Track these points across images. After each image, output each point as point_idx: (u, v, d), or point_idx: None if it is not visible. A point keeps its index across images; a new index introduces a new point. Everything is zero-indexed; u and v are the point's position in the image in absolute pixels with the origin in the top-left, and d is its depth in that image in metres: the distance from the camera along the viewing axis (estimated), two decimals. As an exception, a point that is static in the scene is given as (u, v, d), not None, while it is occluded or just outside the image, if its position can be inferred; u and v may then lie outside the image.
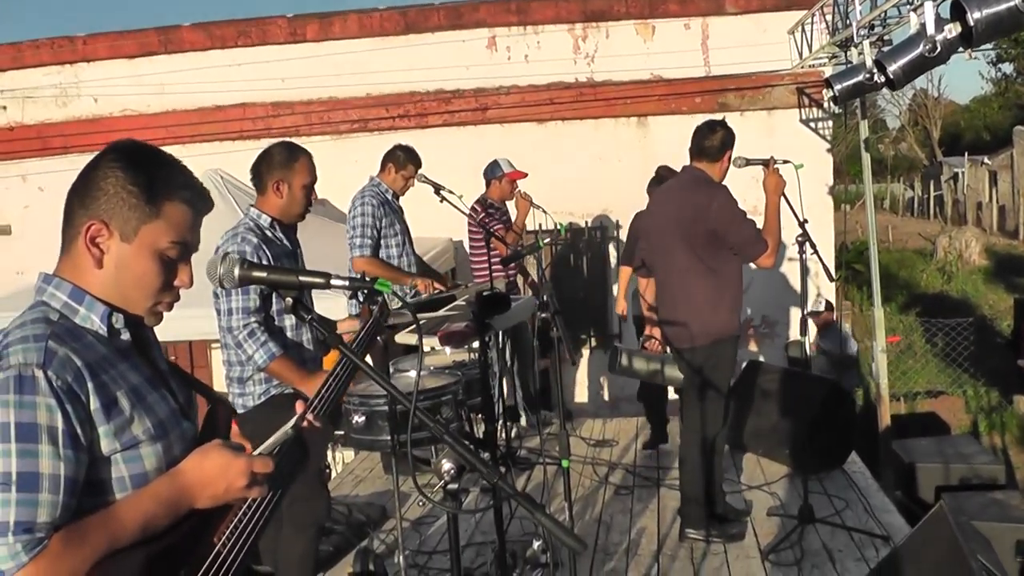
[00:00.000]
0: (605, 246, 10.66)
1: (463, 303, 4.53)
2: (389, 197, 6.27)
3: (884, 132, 51.70)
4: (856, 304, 17.67)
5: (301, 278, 2.02)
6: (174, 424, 1.90)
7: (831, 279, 6.74)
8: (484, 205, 7.32)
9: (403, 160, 6.34)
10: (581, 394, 10.63)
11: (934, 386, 13.46)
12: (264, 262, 3.82)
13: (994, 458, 8.61)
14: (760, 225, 5.10)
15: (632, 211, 7.30)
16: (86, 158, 1.91)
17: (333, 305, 6.05)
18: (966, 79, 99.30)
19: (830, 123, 10.46)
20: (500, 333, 5.80)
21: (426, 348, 5.20)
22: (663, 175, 6.81)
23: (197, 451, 1.82)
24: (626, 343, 8.49)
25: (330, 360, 4.27)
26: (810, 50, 9.38)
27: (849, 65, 8.39)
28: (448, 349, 5.01)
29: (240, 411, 4.01)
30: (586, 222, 10.48)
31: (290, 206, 4.06)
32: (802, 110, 10.19)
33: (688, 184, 5.24)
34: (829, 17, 8.75)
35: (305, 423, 2.07)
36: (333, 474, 7.34)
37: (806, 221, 5.29)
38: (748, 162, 5.21)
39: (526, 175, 7.43)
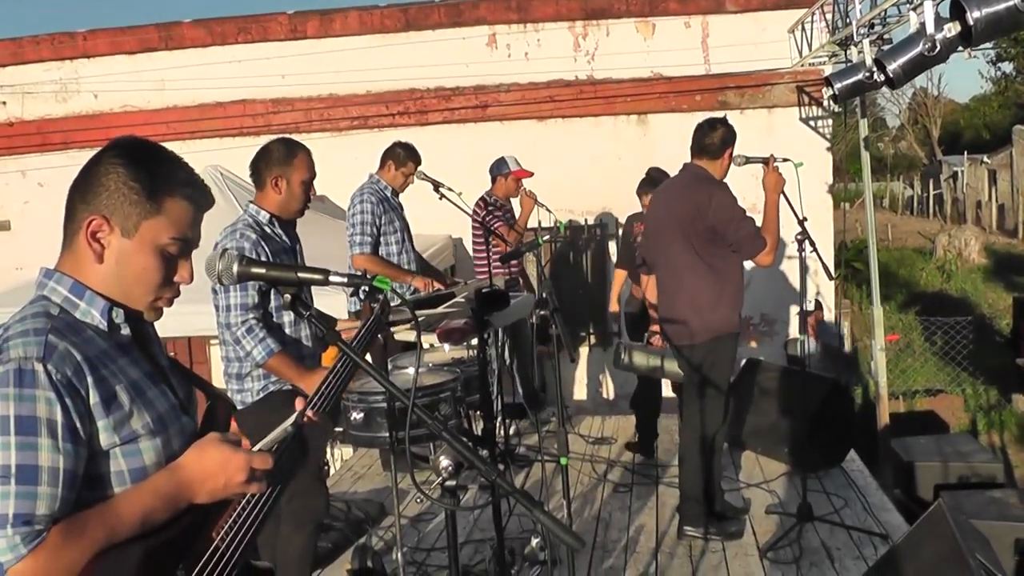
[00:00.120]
0: (605, 244, 10.66)
1: (462, 300, 4.53)
2: (389, 194, 6.27)
3: (884, 131, 51.71)
4: (855, 302, 17.67)
5: (300, 274, 2.02)
6: (173, 419, 1.90)
7: (830, 277, 6.74)
8: (487, 202, 7.32)
9: (403, 157, 6.33)
10: (580, 391, 10.64)
11: (933, 385, 13.46)
12: (263, 258, 3.82)
13: (993, 456, 8.62)
14: (759, 223, 5.11)
15: (632, 209, 7.31)
16: (86, 154, 1.92)
17: (333, 303, 6.05)
18: (966, 78, 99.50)
19: (830, 121, 10.46)
20: (500, 331, 5.80)
21: (425, 345, 5.21)
22: (654, 176, 6.81)
23: (196, 446, 1.83)
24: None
25: (328, 357, 4.28)
26: (810, 48, 9.38)
27: (849, 64, 8.39)
28: (447, 346, 5.02)
29: (238, 407, 4.01)
30: (586, 220, 10.48)
31: (289, 202, 4.06)
32: (802, 108, 10.19)
33: (688, 182, 5.25)
34: (829, 16, 8.76)
35: (305, 419, 2.07)
36: (332, 471, 7.33)
37: (805, 219, 5.29)
38: (748, 160, 5.22)
39: (532, 174, 7.44)
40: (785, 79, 10.10)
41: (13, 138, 10.98)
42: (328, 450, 7.71)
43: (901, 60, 6.46)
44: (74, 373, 1.71)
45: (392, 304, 3.15)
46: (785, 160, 5.23)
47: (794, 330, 10.03)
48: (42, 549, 1.62)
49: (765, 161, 5.20)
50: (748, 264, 5.28)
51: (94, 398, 1.73)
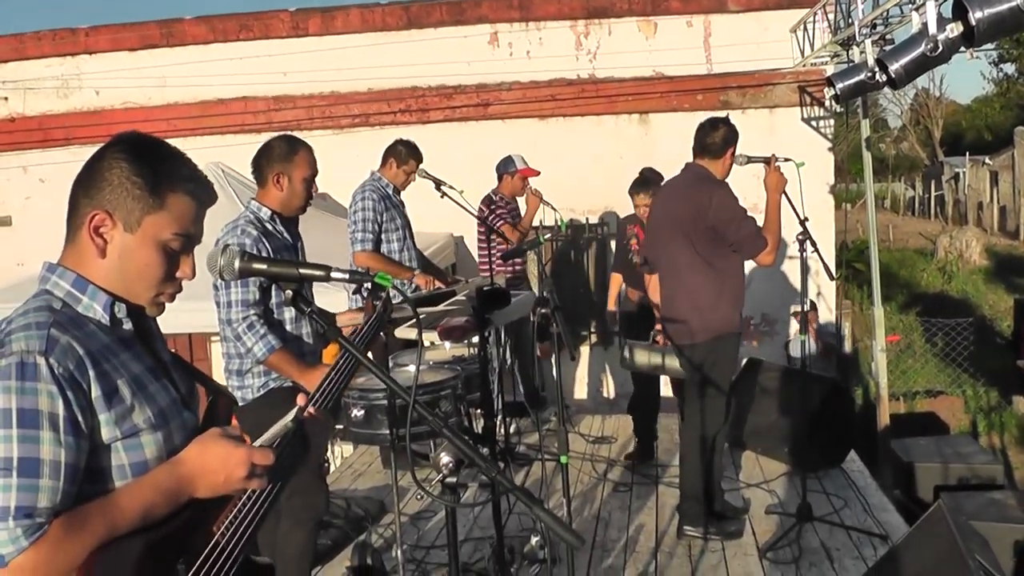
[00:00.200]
0: (606, 243, 10.65)
1: (463, 298, 4.54)
2: (390, 192, 6.28)
3: (885, 131, 51.69)
4: (856, 303, 17.67)
5: (301, 271, 2.02)
6: (175, 414, 1.91)
7: (831, 278, 6.74)
8: (492, 200, 7.34)
9: (404, 155, 6.34)
10: (581, 390, 10.64)
11: (933, 386, 13.45)
12: (264, 255, 3.82)
13: (993, 458, 8.62)
14: (760, 223, 5.11)
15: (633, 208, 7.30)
16: (87, 150, 1.92)
17: (334, 300, 6.05)
18: (968, 79, 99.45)
19: (832, 122, 10.45)
20: (502, 330, 5.80)
21: (426, 343, 5.21)
22: (647, 176, 6.79)
23: (197, 441, 1.83)
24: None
25: (329, 354, 4.28)
26: (812, 48, 9.38)
27: (851, 64, 8.38)
28: (448, 344, 5.02)
29: (239, 404, 4.01)
30: (587, 219, 10.48)
31: (290, 199, 4.06)
32: (804, 108, 10.18)
33: (689, 181, 5.25)
34: (831, 16, 8.75)
35: (306, 415, 2.07)
36: (332, 468, 7.34)
37: (807, 219, 5.29)
38: (750, 160, 5.22)
39: (539, 172, 7.47)
40: (787, 79, 10.09)
41: (15, 134, 10.98)
42: (328, 447, 7.72)
43: (903, 60, 6.45)
44: (76, 367, 1.71)
45: (394, 302, 3.15)
46: (787, 160, 5.22)
47: (795, 330, 10.03)
48: (43, 542, 1.63)
49: (767, 161, 5.20)
50: (749, 264, 5.28)
51: (96, 392, 1.73)
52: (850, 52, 8.65)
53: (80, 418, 1.70)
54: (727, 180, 5.25)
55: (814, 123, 10.22)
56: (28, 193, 10.91)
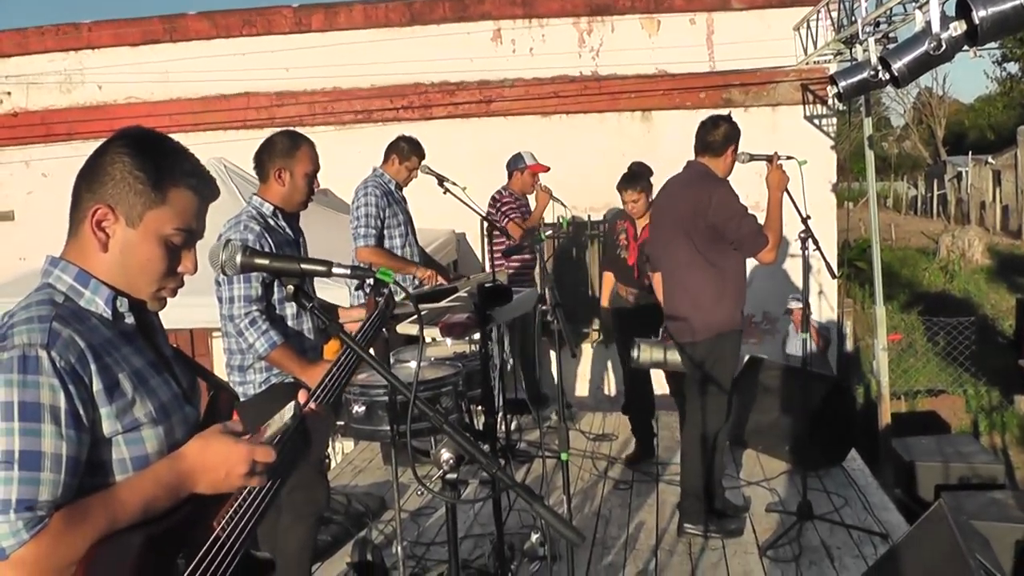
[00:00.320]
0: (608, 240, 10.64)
1: (465, 294, 4.54)
2: (392, 188, 6.28)
3: (888, 130, 51.61)
4: (858, 302, 17.68)
5: (303, 266, 2.03)
6: (176, 408, 1.91)
7: (833, 276, 6.72)
8: (496, 199, 7.38)
9: (407, 151, 6.35)
10: (582, 388, 10.64)
11: (935, 385, 13.47)
12: (266, 250, 3.82)
13: (994, 458, 8.63)
14: (762, 221, 5.10)
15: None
16: (90, 145, 1.92)
17: (336, 296, 6.05)
18: (971, 78, 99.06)
19: (834, 120, 10.44)
20: (504, 327, 5.81)
21: (427, 339, 5.21)
22: (635, 171, 6.78)
23: (199, 436, 1.83)
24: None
25: (331, 349, 4.27)
26: (815, 47, 9.38)
27: (854, 62, 8.37)
28: (449, 340, 5.02)
29: (240, 399, 4.01)
30: (589, 216, 10.47)
31: (292, 194, 4.05)
32: (806, 107, 10.17)
33: (690, 179, 5.25)
34: (834, 14, 8.76)
35: (308, 411, 2.07)
36: (333, 464, 7.34)
37: (809, 218, 5.29)
38: (752, 157, 5.21)
39: (548, 168, 7.54)
40: (790, 77, 10.09)
41: (17, 128, 10.99)
42: (329, 443, 7.72)
43: (906, 59, 6.45)
44: (78, 360, 1.71)
45: (395, 298, 3.15)
46: (789, 158, 5.21)
47: (790, 328, 10.03)
48: (44, 534, 1.63)
49: (769, 159, 5.19)
50: (751, 262, 5.27)
51: (97, 385, 1.73)
52: (853, 50, 8.64)
53: (81, 411, 1.70)
54: (729, 178, 5.25)
55: (817, 121, 10.21)
56: (30, 188, 10.92)
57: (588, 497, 6.16)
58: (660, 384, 6.90)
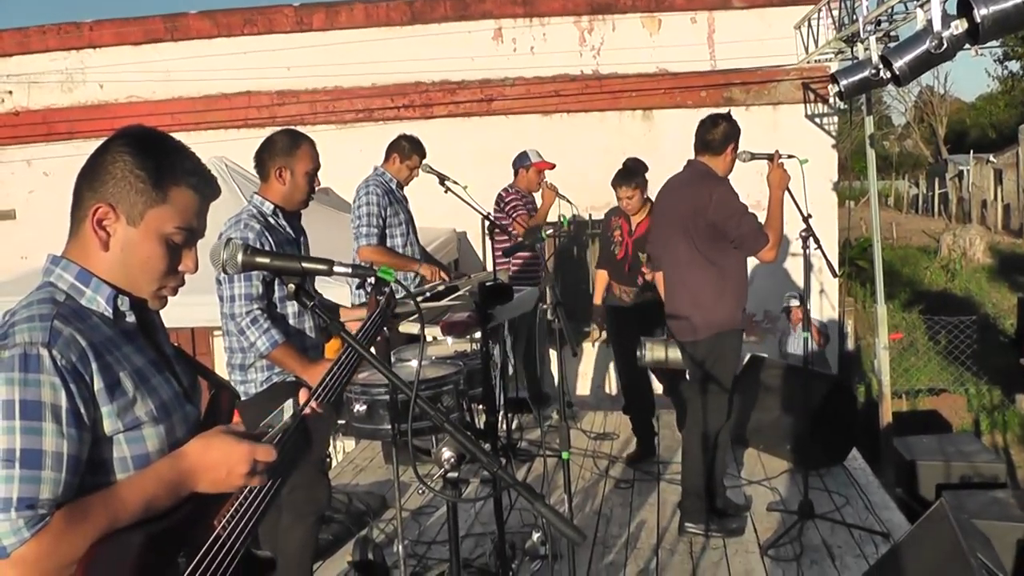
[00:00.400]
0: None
1: (466, 293, 4.53)
2: (393, 187, 6.28)
3: (889, 129, 51.59)
4: (859, 300, 17.68)
5: (304, 264, 2.03)
6: (177, 407, 1.91)
7: (834, 275, 6.72)
8: (499, 200, 7.40)
9: (408, 150, 6.35)
10: (583, 387, 10.63)
11: (936, 384, 13.47)
12: (267, 249, 3.82)
13: (995, 457, 8.62)
14: (763, 219, 5.10)
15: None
16: (91, 144, 1.92)
17: (338, 295, 6.05)
18: (972, 77, 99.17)
19: (835, 119, 10.43)
20: (505, 325, 5.81)
21: (428, 338, 5.20)
22: (630, 167, 6.77)
23: (201, 436, 1.83)
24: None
25: (332, 348, 4.28)
26: (816, 45, 9.37)
27: (855, 61, 8.37)
28: (450, 339, 5.01)
29: (242, 398, 4.01)
30: (590, 215, 10.47)
31: (292, 193, 4.05)
32: (807, 105, 10.17)
33: (690, 179, 5.25)
34: (836, 12, 8.75)
35: (308, 410, 2.07)
36: (334, 463, 7.34)
37: (810, 216, 5.28)
38: (753, 156, 5.20)
39: (554, 166, 7.57)
40: (791, 76, 10.08)
41: (19, 127, 10.99)
42: (330, 442, 7.72)
43: (907, 57, 6.44)
44: (79, 359, 1.71)
45: (397, 297, 3.15)
46: (790, 157, 5.21)
47: (786, 326, 10.02)
48: (45, 533, 1.63)
49: (770, 157, 5.18)
50: (752, 260, 5.27)
51: (98, 384, 1.74)
52: (854, 49, 8.64)
53: (82, 410, 1.70)
54: (731, 176, 5.24)
55: (818, 120, 10.21)
56: (32, 187, 10.93)
57: (589, 496, 6.16)
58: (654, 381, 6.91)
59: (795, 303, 9.35)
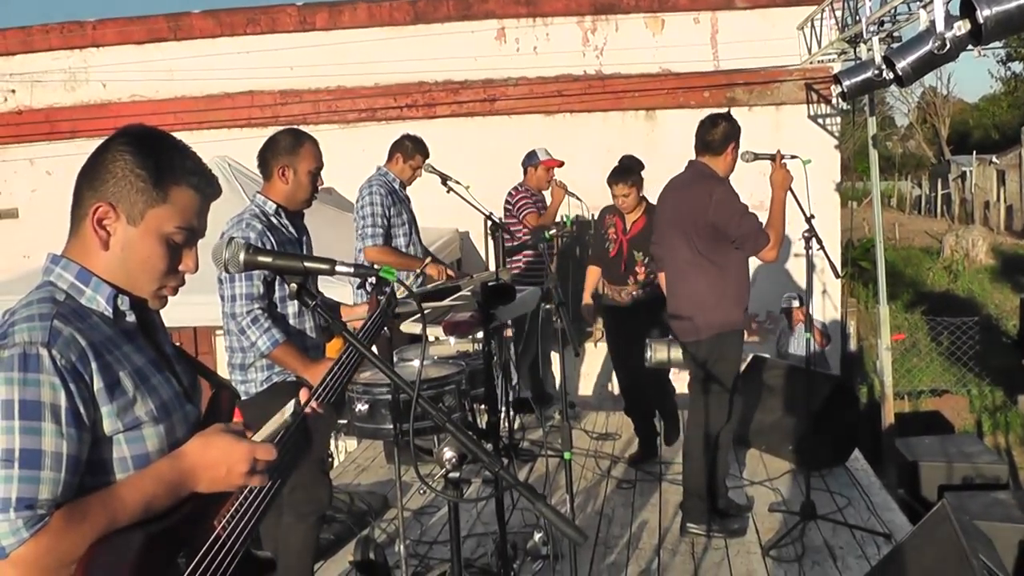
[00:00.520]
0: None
1: (468, 293, 4.54)
2: (397, 187, 6.29)
3: (892, 129, 51.56)
4: (862, 301, 17.65)
5: (306, 264, 2.03)
6: (177, 406, 1.90)
7: (837, 276, 6.71)
8: (511, 196, 7.44)
9: (411, 150, 6.35)
10: (585, 387, 10.63)
11: (938, 385, 13.46)
12: (269, 248, 3.82)
13: (997, 458, 8.61)
14: (764, 219, 5.10)
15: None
16: (94, 143, 1.92)
17: (339, 294, 6.06)
18: (975, 77, 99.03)
19: (838, 119, 10.41)
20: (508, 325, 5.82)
21: (431, 338, 5.21)
22: (626, 164, 6.75)
23: (200, 435, 1.83)
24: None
25: (333, 348, 4.28)
26: (819, 46, 9.36)
27: (858, 61, 8.37)
28: (452, 339, 5.02)
29: (242, 398, 4.01)
30: (592, 215, 10.44)
31: (295, 192, 4.05)
32: (810, 106, 10.16)
33: (691, 179, 5.25)
34: (839, 13, 8.73)
35: (308, 410, 2.07)
36: (335, 463, 7.35)
37: (813, 217, 5.28)
38: (756, 156, 5.20)
39: (562, 163, 7.61)
40: (794, 76, 10.07)
41: (21, 126, 10.99)
42: (332, 442, 7.73)
43: (910, 58, 6.44)
44: (78, 358, 1.71)
45: (399, 296, 3.15)
46: (793, 157, 5.21)
47: (784, 327, 10.01)
48: (44, 533, 1.63)
49: (773, 158, 5.18)
50: (754, 261, 5.27)
51: (98, 384, 1.73)
52: (857, 49, 8.64)
53: (82, 410, 1.70)
54: (732, 176, 5.24)
55: (820, 120, 10.20)
56: (34, 186, 10.93)
57: (591, 496, 6.16)
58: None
59: (795, 304, 9.35)
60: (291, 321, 4.02)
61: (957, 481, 7.55)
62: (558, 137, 10.09)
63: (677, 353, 5.47)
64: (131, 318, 1.88)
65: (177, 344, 2.08)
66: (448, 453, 2.70)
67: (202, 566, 1.78)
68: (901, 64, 6.48)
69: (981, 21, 5.26)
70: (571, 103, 10.39)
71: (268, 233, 3.89)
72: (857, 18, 7.96)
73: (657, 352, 5.50)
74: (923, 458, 7.82)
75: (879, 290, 9.39)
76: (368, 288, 5.16)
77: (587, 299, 7.17)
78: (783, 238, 5.16)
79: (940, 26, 5.99)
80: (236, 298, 3.87)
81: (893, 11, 7.43)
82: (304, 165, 4.04)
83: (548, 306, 4.10)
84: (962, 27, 5.77)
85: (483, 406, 4.80)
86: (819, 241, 5.32)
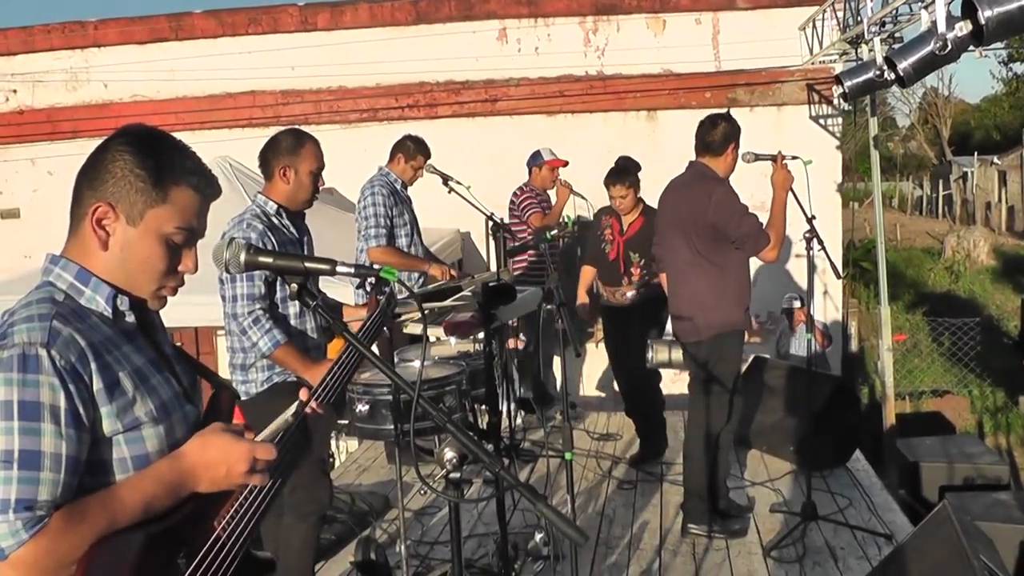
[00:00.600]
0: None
1: (469, 293, 4.54)
2: (398, 187, 6.28)
3: (894, 130, 51.53)
4: (863, 302, 17.64)
5: (307, 264, 2.02)
6: (176, 407, 1.90)
7: (838, 276, 6.72)
8: (516, 196, 7.45)
9: (413, 150, 6.35)
10: (586, 387, 10.63)
11: (940, 385, 13.45)
12: (269, 249, 3.82)
13: (998, 459, 8.61)
14: (765, 219, 5.10)
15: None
16: (95, 143, 1.91)
17: (339, 294, 6.04)
18: (977, 78, 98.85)
19: (839, 120, 10.41)
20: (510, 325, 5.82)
21: (431, 338, 5.21)
22: (623, 166, 6.73)
23: (199, 434, 1.83)
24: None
25: (334, 348, 4.28)
26: (821, 46, 9.35)
27: (859, 62, 8.36)
28: (453, 339, 5.02)
29: (243, 398, 4.01)
30: (594, 216, 10.46)
31: (297, 192, 4.05)
32: (812, 106, 10.16)
33: (690, 180, 5.25)
34: (840, 14, 8.73)
35: (308, 410, 2.07)
36: (336, 463, 7.35)
37: (814, 217, 5.28)
38: (757, 157, 5.19)
39: (567, 163, 7.63)
40: (795, 77, 10.07)
41: (23, 126, 11.00)
42: (333, 442, 7.73)
43: (912, 59, 6.43)
44: (78, 359, 1.71)
45: (399, 296, 3.15)
46: (794, 158, 5.20)
47: (783, 327, 10.01)
48: (43, 535, 1.62)
49: (774, 158, 5.18)
50: (755, 262, 5.27)
51: (98, 384, 1.73)
52: (859, 50, 8.64)
53: (81, 411, 1.70)
54: (733, 176, 5.24)
55: (822, 121, 10.20)
56: (36, 186, 10.94)
57: (592, 497, 6.16)
58: (665, 384, 6.89)
59: (797, 304, 9.35)
60: (292, 322, 4.02)
61: (958, 482, 7.55)
62: (559, 137, 10.08)
63: (678, 354, 5.48)
64: (130, 318, 1.88)
65: (178, 344, 2.08)
66: (449, 453, 2.70)
67: (202, 567, 1.78)
68: (902, 65, 6.48)
69: (982, 22, 5.26)
70: (572, 103, 10.39)
71: (269, 233, 3.89)
72: (858, 19, 7.95)
73: (658, 353, 5.50)
74: (924, 459, 7.81)
75: (880, 291, 9.38)
76: (367, 288, 5.16)
77: (583, 298, 7.16)
78: (784, 238, 5.16)
79: (941, 27, 5.98)
80: (237, 298, 3.87)
81: (894, 12, 7.42)
82: (305, 165, 4.04)
83: (549, 307, 4.09)
84: (963, 28, 5.76)
85: (484, 406, 4.81)
86: (820, 242, 5.32)
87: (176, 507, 1.78)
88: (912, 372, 13.71)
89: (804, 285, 7.16)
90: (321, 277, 4.00)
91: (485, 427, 4.21)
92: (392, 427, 4.21)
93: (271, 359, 3.91)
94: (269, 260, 2.04)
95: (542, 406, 7.63)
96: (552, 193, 7.69)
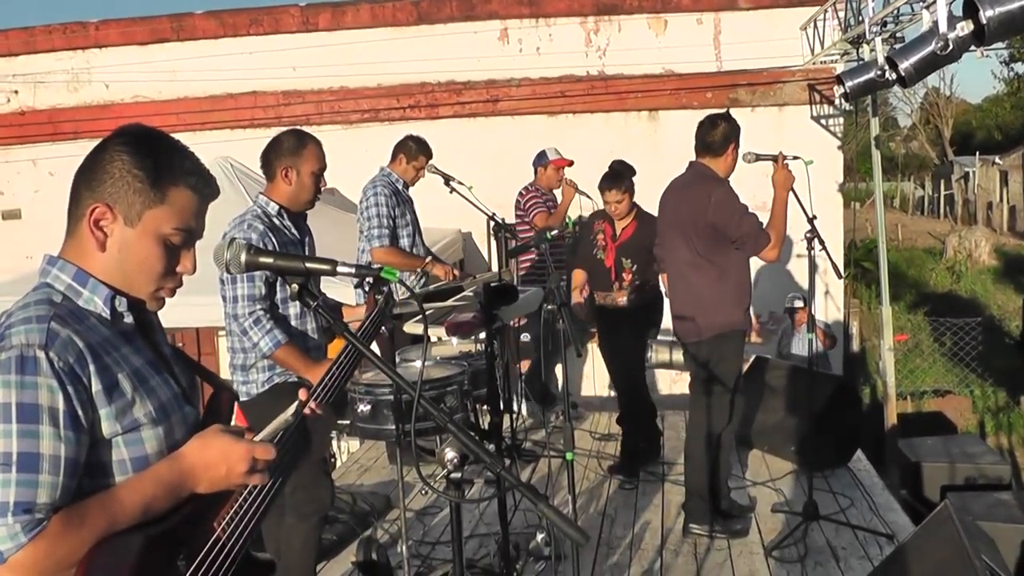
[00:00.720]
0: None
1: (470, 294, 4.54)
2: (400, 187, 6.28)
3: (895, 130, 51.51)
4: (864, 302, 17.63)
5: (308, 264, 2.02)
6: (176, 408, 1.90)
7: (839, 276, 6.72)
8: (521, 196, 7.45)
9: (414, 151, 6.35)
10: (588, 388, 10.62)
11: (941, 385, 13.44)
12: (270, 249, 3.82)
13: (1000, 458, 8.62)
14: (766, 220, 5.10)
15: (641, 204, 7.25)
16: (96, 143, 1.91)
17: (340, 294, 6.05)
18: (978, 78, 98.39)
19: (841, 120, 10.42)
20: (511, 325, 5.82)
21: (433, 338, 5.21)
22: (617, 170, 6.68)
23: (198, 435, 1.82)
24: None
25: (335, 348, 4.28)
26: (822, 46, 9.35)
27: (861, 62, 8.36)
28: (455, 340, 5.02)
29: (244, 398, 4.01)
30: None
31: (298, 193, 4.05)
32: (813, 107, 10.16)
33: (690, 180, 5.25)
34: (841, 14, 8.73)
35: (307, 411, 2.07)
36: (338, 463, 7.35)
37: (815, 217, 5.27)
38: (758, 157, 5.19)
39: (572, 162, 7.63)
40: (796, 77, 10.08)
41: (25, 127, 11.01)
42: (334, 442, 7.73)
43: (913, 59, 6.43)
44: (76, 361, 1.70)
45: (399, 296, 3.15)
46: (795, 158, 5.20)
47: (785, 327, 10.01)
48: (43, 537, 1.62)
49: (775, 159, 5.17)
50: (756, 263, 5.27)
51: (96, 386, 1.72)
52: (860, 50, 8.63)
53: (80, 412, 1.69)
54: (733, 176, 5.24)
55: (823, 121, 10.20)
56: (37, 186, 10.95)
57: (593, 497, 6.16)
58: (666, 384, 6.89)
59: (799, 304, 9.34)
60: (293, 322, 4.02)
61: (960, 482, 7.55)
62: (560, 138, 10.05)
63: (678, 354, 5.48)
64: (129, 319, 1.87)
65: (178, 345, 2.08)
66: (450, 454, 2.70)
67: (202, 568, 1.78)
68: (904, 65, 6.48)
69: (984, 22, 5.25)
70: (574, 104, 10.40)
71: (270, 234, 3.89)
72: (860, 19, 7.95)
73: (659, 353, 5.51)
74: (926, 459, 7.82)
75: (882, 291, 9.37)
76: (365, 288, 5.16)
77: (577, 298, 7.13)
78: (784, 238, 5.15)
79: (943, 27, 5.98)
80: (238, 299, 3.87)
81: (896, 12, 7.42)
82: (307, 166, 4.04)
83: (550, 307, 4.09)
84: (965, 28, 5.76)
85: (485, 406, 4.81)
86: (821, 242, 5.32)
87: (176, 508, 1.78)
88: (913, 372, 13.70)
89: (805, 285, 7.16)
90: (323, 278, 4.01)
91: (486, 427, 4.21)
92: (393, 427, 4.20)
93: (272, 359, 3.92)
94: (270, 261, 2.04)
95: (543, 406, 7.62)
96: (558, 193, 7.69)
